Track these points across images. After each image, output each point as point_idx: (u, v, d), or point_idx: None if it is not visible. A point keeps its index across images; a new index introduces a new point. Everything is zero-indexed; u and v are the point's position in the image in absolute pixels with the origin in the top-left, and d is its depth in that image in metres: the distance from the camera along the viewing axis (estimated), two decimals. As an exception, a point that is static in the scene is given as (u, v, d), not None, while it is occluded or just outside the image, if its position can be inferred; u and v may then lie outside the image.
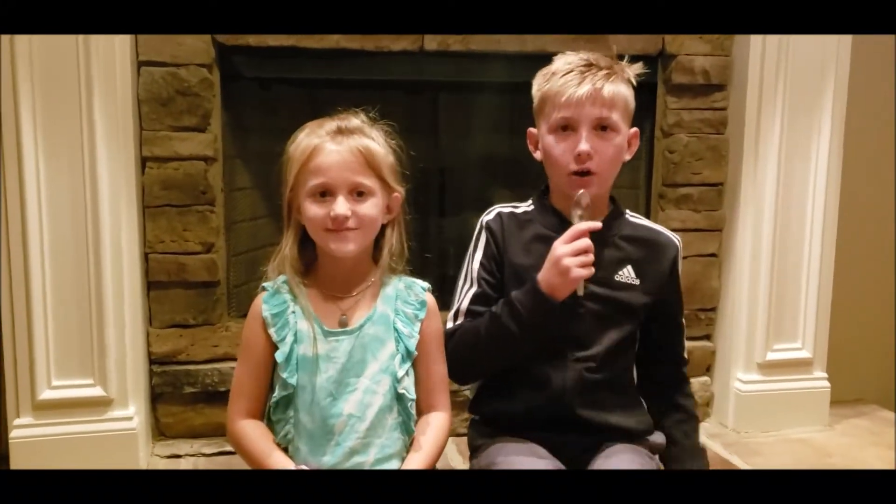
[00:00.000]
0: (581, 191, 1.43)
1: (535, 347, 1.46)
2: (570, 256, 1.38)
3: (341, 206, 1.34)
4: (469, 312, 1.52)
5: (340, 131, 1.37)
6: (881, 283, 2.92)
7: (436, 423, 1.45)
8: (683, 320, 1.63)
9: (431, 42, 2.40)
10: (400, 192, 1.43)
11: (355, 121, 1.40)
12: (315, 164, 1.35)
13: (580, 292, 1.42)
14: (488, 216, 1.58)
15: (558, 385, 1.48)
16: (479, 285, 1.53)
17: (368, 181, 1.37)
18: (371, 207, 1.37)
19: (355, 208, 1.35)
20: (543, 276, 1.41)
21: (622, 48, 2.41)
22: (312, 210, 1.36)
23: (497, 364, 1.52)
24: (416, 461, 1.40)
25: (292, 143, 1.40)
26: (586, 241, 1.39)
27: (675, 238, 1.59)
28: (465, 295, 1.54)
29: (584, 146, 1.43)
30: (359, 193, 1.36)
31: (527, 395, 1.50)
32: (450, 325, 1.54)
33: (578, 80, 1.44)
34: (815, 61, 2.50)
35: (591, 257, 1.39)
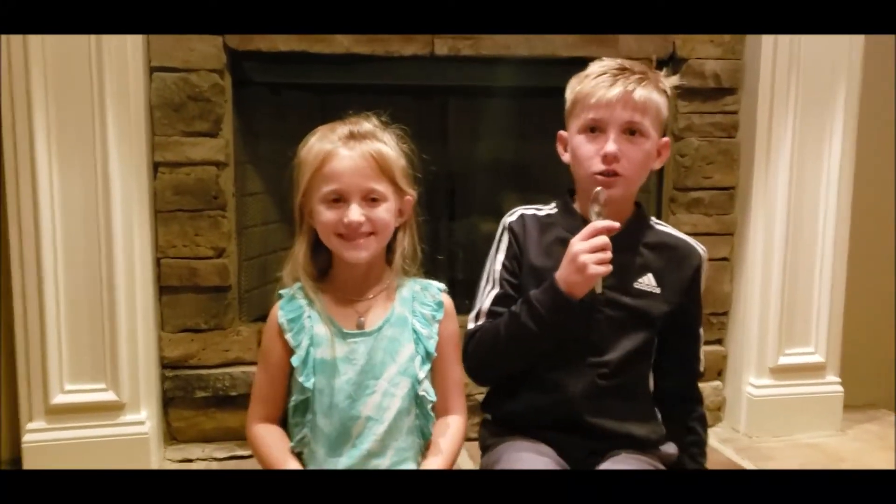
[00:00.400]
0: (599, 187, 1.42)
1: (553, 347, 1.46)
2: (587, 253, 1.37)
3: (355, 212, 1.34)
4: (490, 313, 1.52)
5: (353, 136, 1.37)
6: (894, 287, 2.91)
7: (453, 427, 1.45)
8: (701, 331, 1.60)
9: (441, 47, 2.40)
10: (412, 195, 1.43)
11: (367, 125, 1.40)
12: (328, 169, 1.35)
13: (598, 290, 1.40)
14: (511, 217, 1.57)
15: (568, 389, 1.47)
16: (501, 286, 1.53)
17: (381, 187, 1.37)
18: (384, 212, 1.37)
19: (368, 214, 1.35)
20: (561, 273, 1.40)
21: (632, 52, 2.44)
22: (325, 215, 1.36)
23: (516, 364, 1.51)
24: (435, 465, 1.40)
25: (304, 148, 1.40)
26: (604, 239, 1.38)
27: (701, 249, 1.56)
28: (486, 296, 1.53)
29: (611, 147, 1.43)
30: (372, 199, 1.36)
31: (537, 398, 1.50)
32: (471, 325, 1.54)
33: (610, 83, 1.44)
34: (826, 64, 2.49)
35: (608, 254, 1.38)
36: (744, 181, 2.59)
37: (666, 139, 1.52)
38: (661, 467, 1.52)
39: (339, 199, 1.36)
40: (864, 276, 2.76)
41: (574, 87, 1.50)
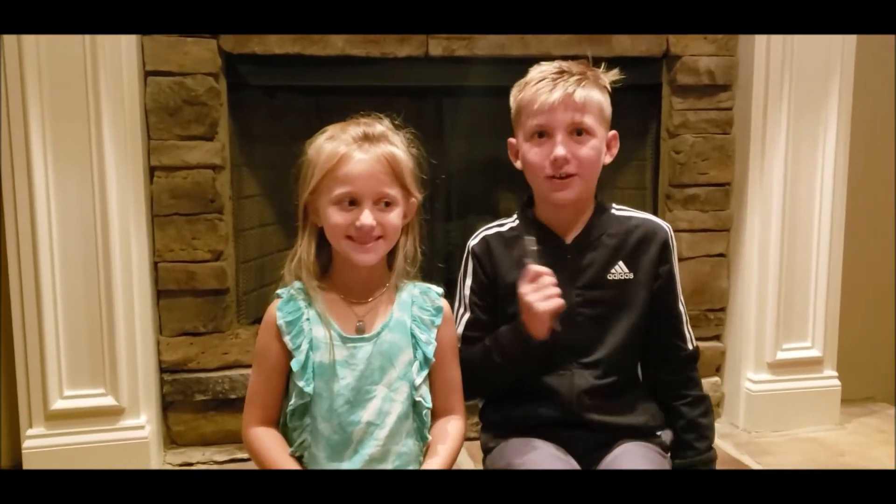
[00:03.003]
0: (526, 237, 1.45)
1: (527, 371, 1.48)
2: (531, 293, 1.39)
3: (368, 217, 1.34)
4: (465, 338, 1.54)
5: (367, 138, 1.36)
6: (889, 281, 2.92)
7: (452, 430, 1.45)
8: (682, 309, 1.57)
9: (436, 48, 2.40)
10: (417, 197, 1.43)
11: (380, 126, 1.39)
12: (343, 172, 1.34)
13: (556, 327, 1.41)
14: (474, 241, 1.58)
15: (567, 393, 1.49)
16: (472, 311, 1.55)
17: (393, 191, 1.37)
18: (395, 217, 1.38)
19: (380, 218, 1.35)
20: (522, 316, 1.42)
21: (626, 50, 2.44)
22: (336, 217, 1.35)
23: (498, 385, 1.55)
24: (434, 466, 1.39)
25: (314, 146, 1.38)
26: (546, 278, 1.40)
27: (664, 224, 1.56)
28: (460, 320, 1.56)
29: (559, 151, 1.44)
30: (384, 203, 1.36)
31: (536, 405, 1.51)
32: None
33: (550, 87, 1.45)
34: (820, 60, 2.50)
35: (553, 290, 1.39)
36: (739, 177, 2.60)
37: (613, 132, 1.53)
38: (666, 455, 1.53)
39: (351, 202, 1.35)
40: (860, 270, 2.77)
41: (516, 96, 1.52)
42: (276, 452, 1.38)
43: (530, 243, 1.44)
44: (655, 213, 2.64)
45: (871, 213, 2.83)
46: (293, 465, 1.37)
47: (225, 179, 2.36)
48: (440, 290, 1.48)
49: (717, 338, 2.70)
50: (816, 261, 2.59)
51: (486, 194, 2.97)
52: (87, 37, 2.08)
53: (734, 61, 2.56)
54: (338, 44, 2.34)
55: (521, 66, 2.45)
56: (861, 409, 2.79)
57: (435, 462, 1.40)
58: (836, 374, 2.66)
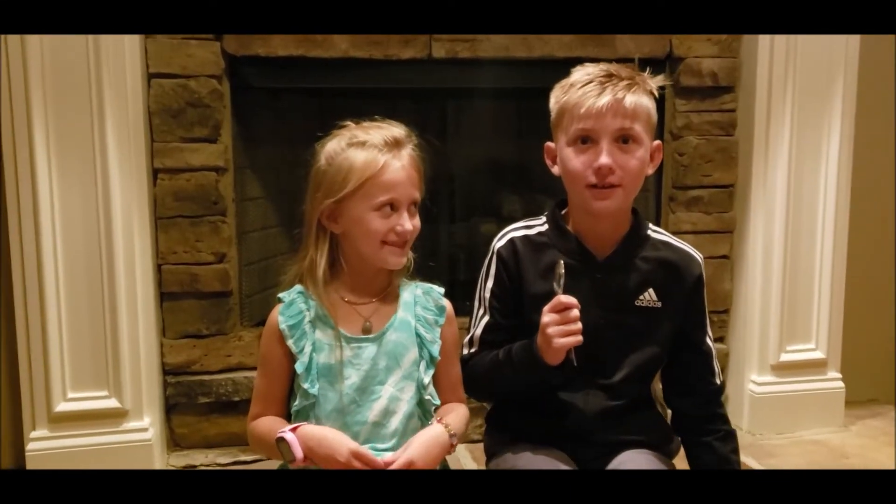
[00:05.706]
0: (559, 261, 1.38)
1: (540, 385, 1.45)
2: (553, 326, 1.34)
3: (408, 222, 1.38)
4: (482, 341, 1.51)
5: (397, 144, 1.38)
6: (892, 283, 2.91)
7: (457, 406, 1.47)
8: (711, 343, 1.53)
9: (439, 49, 2.40)
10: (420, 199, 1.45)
11: (398, 130, 1.41)
12: (386, 179, 1.35)
13: (574, 363, 1.37)
14: (500, 242, 1.52)
15: (578, 412, 1.46)
16: (492, 315, 1.51)
17: (419, 194, 1.41)
18: (418, 220, 1.41)
19: (412, 222, 1.39)
20: (538, 339, 1.38)
21: (629, 52, 2.44)
22: (376, 223, 1.36)
23: (508, 394, 1.54)
24: (448, 414, 1.42)
25: (337, 153, 1.38)
26: (572, 313, 1.34)
27: (698, 256, 1.52)
28: (479, 322, 1.52)
29: (604, 160, 1.37)
30: (415, 207, 1.40)
31: (546, 419, 1.48)
32: (465, 351, 1.53)
33: (598, 91, 1.37)
34: (823, 62, 2.50)
35: (577, 326, 1.34)
36: (743, 179, 2.59)
37: (658, 142, 1.48)
38: (668, 460, 1.51)
39: (390, 208, 1.37)
40: (864, 271, 2.76)
41: (559, 98, 1.44)
42: (276, 423, 1.38)
43: (560, 268, 1.37)
44: (658, 215, 2.64)
45: (875, 215, 2.82)
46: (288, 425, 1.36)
47: (228, 181, 2.36)
48: (442, 289, 1.49)
49: (721, 340, 2.69)
50: (820, 262, 2.58)
51: (490, 195, 2.97)
52: (91, 38, 2.08)
53: (737, 63, 2.55)
54: (341, 46, 2.34)
55: (524, 67, 2.48)
56: (865, 410, 2.78)
57: (450, 415, 1.42)
58: (839, 375, 2.66)
